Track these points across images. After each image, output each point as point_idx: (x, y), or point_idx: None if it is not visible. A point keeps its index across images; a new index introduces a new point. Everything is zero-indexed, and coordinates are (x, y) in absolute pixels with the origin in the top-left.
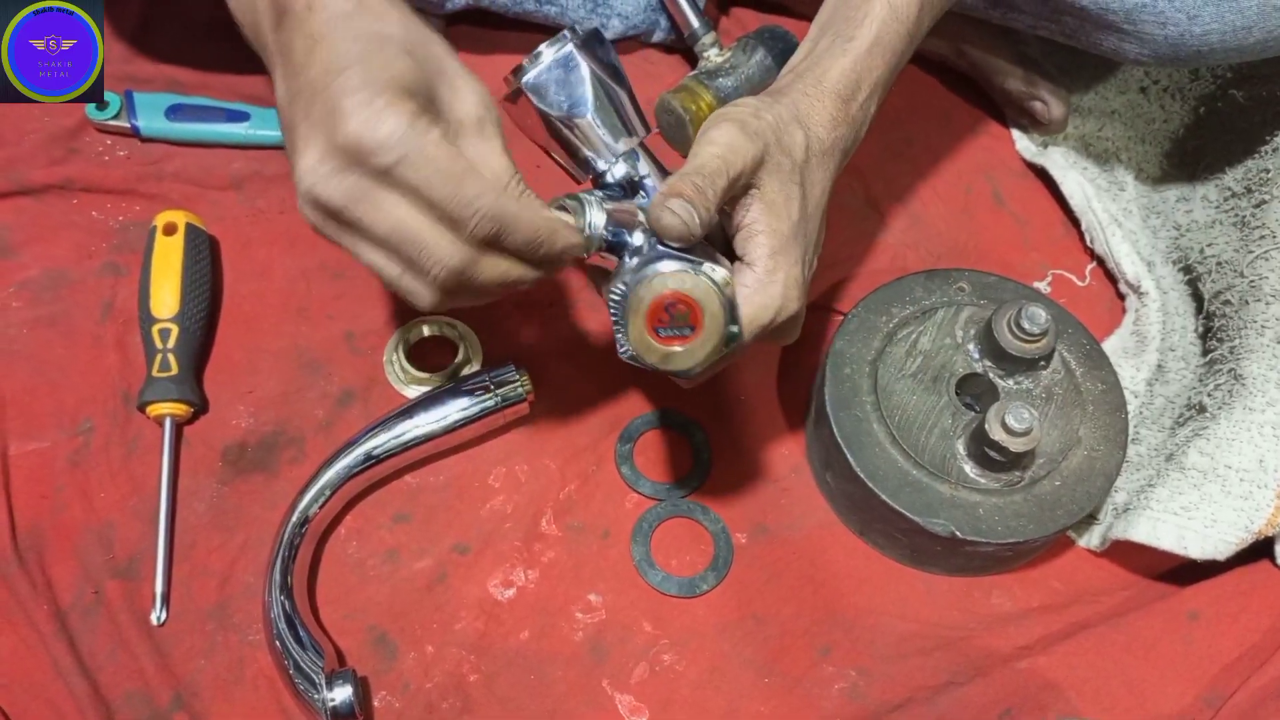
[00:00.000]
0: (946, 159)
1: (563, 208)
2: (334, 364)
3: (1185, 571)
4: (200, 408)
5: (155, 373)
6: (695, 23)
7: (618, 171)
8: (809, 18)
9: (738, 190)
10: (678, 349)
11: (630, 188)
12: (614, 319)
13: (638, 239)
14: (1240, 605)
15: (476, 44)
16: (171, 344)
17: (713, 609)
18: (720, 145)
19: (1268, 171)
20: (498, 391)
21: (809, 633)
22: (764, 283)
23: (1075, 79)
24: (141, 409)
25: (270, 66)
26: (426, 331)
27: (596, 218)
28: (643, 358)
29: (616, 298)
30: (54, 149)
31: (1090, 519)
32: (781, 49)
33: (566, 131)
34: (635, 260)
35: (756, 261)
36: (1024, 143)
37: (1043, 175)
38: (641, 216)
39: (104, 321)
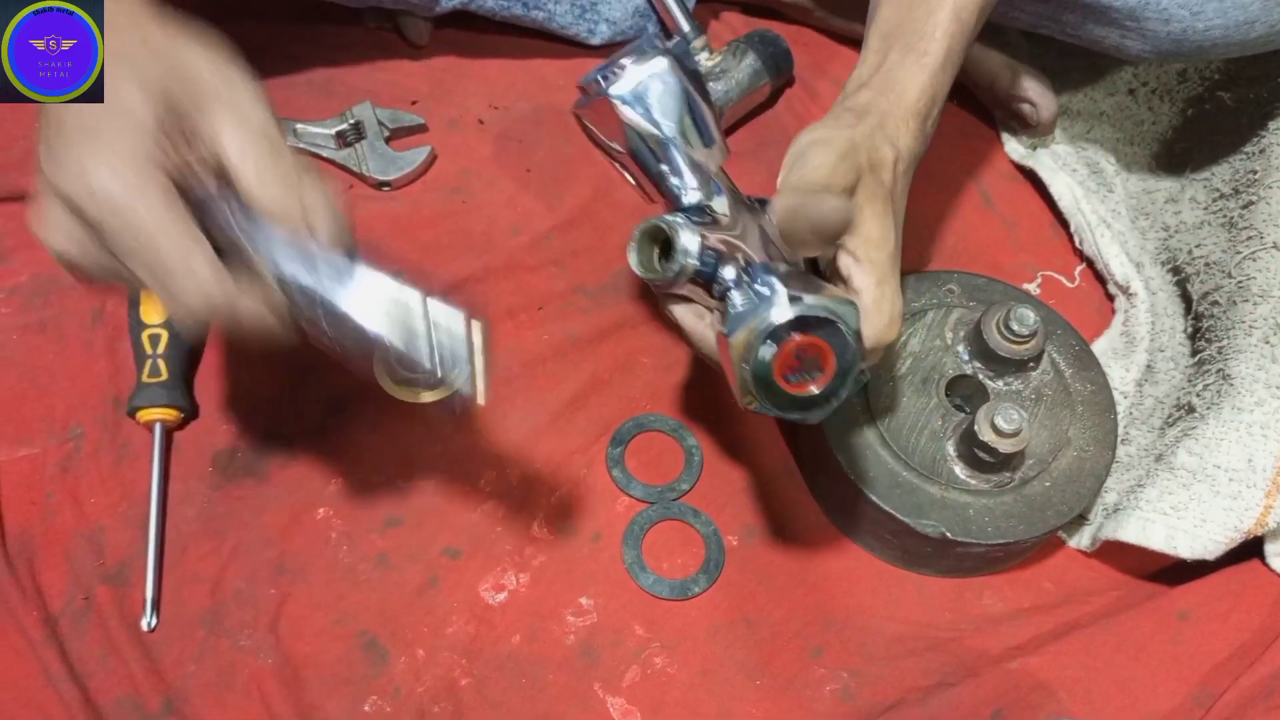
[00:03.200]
0: (936, 161)
1: (656, 230)
2: (325, 369)
3: (1175, 571)
4: (190, 413)
5: (145, 378)
6: (685, 26)
7: (695, 195)
8: (799, 22)
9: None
10: (813, 392)
11: (704, 213)
12: (738, 368)
13: (729, 273)
14: (1230, 605)
15: (464, 48)
16: (161, 349)
17: (704, 611)
18: (823, 170)
19: (1255, 173)
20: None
21: (800, 634)
22: (872, 313)
23: (1064, 81)
24: (131, 414)
25: None
26: None
27: (690, 243)
28: (773, 410)
29: (736, 346)
30: None
31: (1080, 519)
32: (771, 53)
33: (648, 149)
34: (742, 299)
35: (864, 291)
36: (1013, 145)
37: (1032, 177)
38: (744, 244)
39: (94, 327)
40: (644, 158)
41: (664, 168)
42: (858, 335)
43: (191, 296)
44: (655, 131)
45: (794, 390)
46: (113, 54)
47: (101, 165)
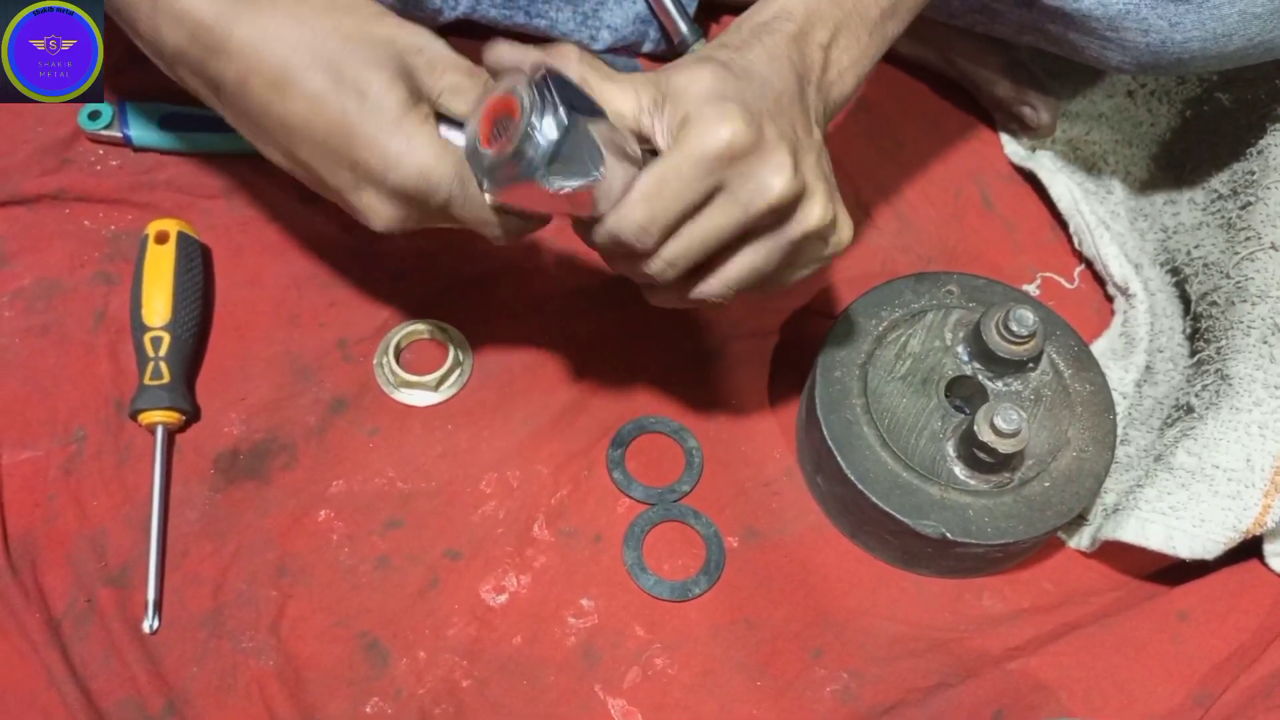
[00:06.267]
0: (936, 163)
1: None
2: (326, 371)
3: (1174, 571)
4: (192, 415)
5: (147, 381)
6: (685, 29)
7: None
8: None
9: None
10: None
11: None
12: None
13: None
14: (1229, 605)
15: (466, 54)
16: (163, 352)
17: (705, 613)
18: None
19: (1253, 174)
20: None
21: (800, 635)
22: (695, 116)
23: (1063, 84)
24: (133, 417)
25: (213, 104)
26: (417, 335)
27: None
28: (493, 181)
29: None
30: (46, 159)
31: (1080, 520)
32: None
33: None
34: None
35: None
36: (1012, 146)
37: (1031, 179)
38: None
39: (96, 330)
40: None
41: None
42: (543, 91)
43: (509, 226)
44: None
45: (495, 150)
46: (351, 59)
47: (413, 153)
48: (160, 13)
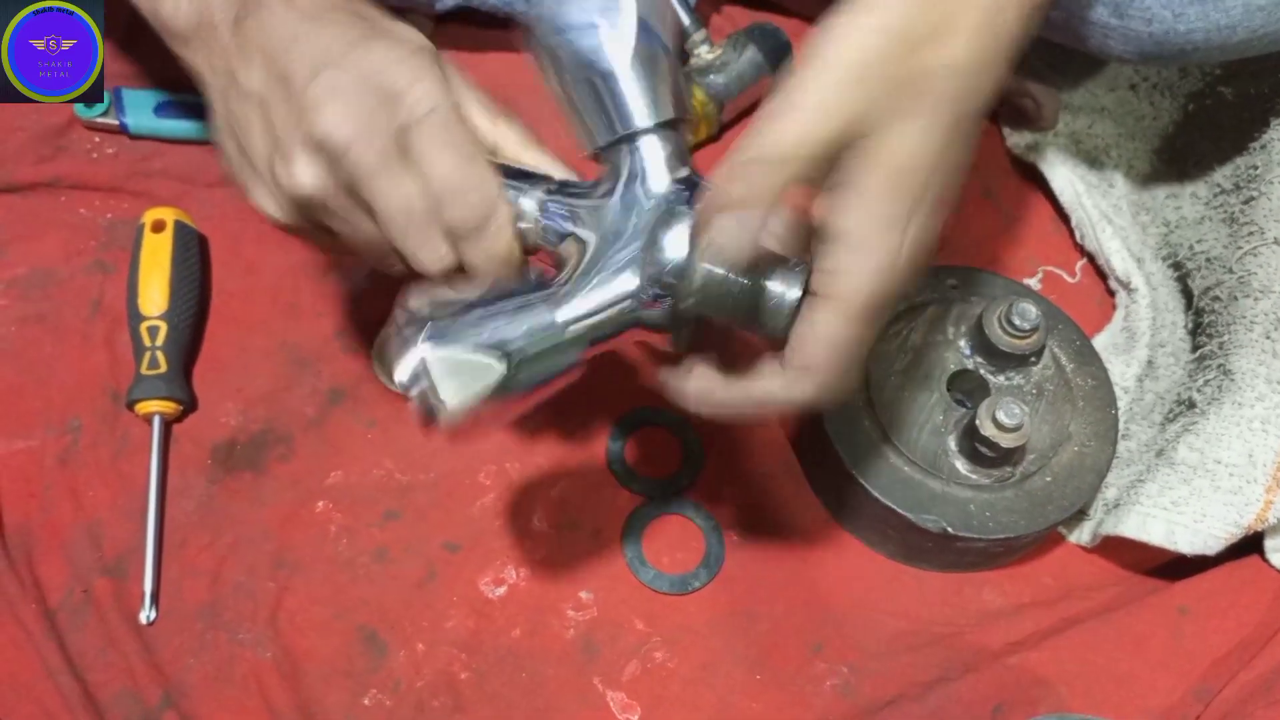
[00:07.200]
0: None
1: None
2: (323, 361)
3: (1175, 567)
4: (189, 405)
5: (144, 370)
6: (686, 20)
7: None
8: (800, 15)
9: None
10: None
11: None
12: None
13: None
14: (1230, 600)
15: (466, 43)
16: (160, 341)
17: (704, 606)
18: (809, 106)
19: (1256, 168)
20: None
21: (800, 629)
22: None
23: (1065, 76)
24: (130, 407)
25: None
26: None
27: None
28: None
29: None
30: (42, 147)
31: (1081, 515)
32: (772, 45)
33: (581, 85)
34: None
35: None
36: (1014, 139)
37: (1033, 172)
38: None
39: (92, 319)
40: (582, 94)
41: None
42: None
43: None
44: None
45: None
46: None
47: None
48: None
